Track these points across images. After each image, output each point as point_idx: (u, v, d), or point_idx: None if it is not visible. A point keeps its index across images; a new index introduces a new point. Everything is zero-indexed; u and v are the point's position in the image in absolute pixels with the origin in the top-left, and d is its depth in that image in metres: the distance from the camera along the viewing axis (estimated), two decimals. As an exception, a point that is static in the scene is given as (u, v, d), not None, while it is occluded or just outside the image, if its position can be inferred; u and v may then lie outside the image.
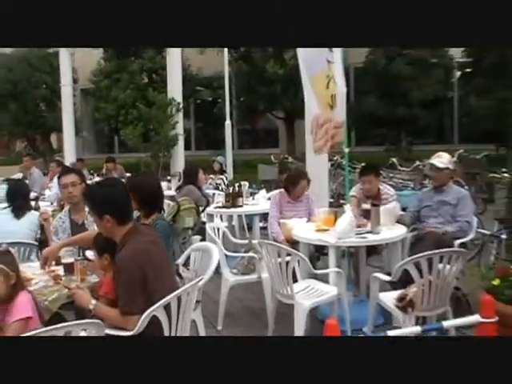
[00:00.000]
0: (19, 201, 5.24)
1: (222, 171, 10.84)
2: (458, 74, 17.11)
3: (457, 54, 15.46)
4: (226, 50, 12.95)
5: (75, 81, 17.02)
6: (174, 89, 12.94)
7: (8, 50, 18.97)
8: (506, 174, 9.64)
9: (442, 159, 5.39)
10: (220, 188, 9.00)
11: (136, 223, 3.42)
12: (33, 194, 7.58)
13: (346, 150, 5.84)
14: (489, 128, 14.37)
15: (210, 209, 6.94)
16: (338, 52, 5.87)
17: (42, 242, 4.91)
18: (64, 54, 15.45)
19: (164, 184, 9.30)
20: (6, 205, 5.28)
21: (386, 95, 14.98)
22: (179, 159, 12.83)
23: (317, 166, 7.28)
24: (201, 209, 6.39)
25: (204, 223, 6.36)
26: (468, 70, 16.39)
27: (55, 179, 9.13)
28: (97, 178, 12.74)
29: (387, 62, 14.72)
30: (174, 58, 12.97)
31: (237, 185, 7.29)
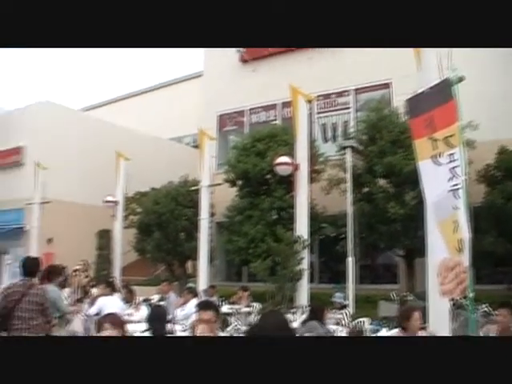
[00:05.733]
0: (158, 325, 5.50)
1: (343, 306, 10.58)
2: None
3: None
4: (349, 190, 13.15)
5: (212, 215, 17.89)
6: (301, 227, 13.15)
7: (158, 186, 20.57)
8: None
9: None
10: (341, 323, 8.76)
11: None
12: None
13: (471, 295, 5.60)
14: None
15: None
16: (462, 198, 5.81)
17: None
18: (204, 191, 16.43)
19: (289, 316, 9.25)
20: (145, 327, 5.54)
21: (504, 234, 14.18)
22: (303, 292, 12.75)
23: (438, 305, 6.99)
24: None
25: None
26: None
27: (188, 304, 9.42)
28: (226, 306, 12.94)
29: (504, 202, 14.02)
30: (301, 197, 13.34)
31: (357, 321, 7.14)
